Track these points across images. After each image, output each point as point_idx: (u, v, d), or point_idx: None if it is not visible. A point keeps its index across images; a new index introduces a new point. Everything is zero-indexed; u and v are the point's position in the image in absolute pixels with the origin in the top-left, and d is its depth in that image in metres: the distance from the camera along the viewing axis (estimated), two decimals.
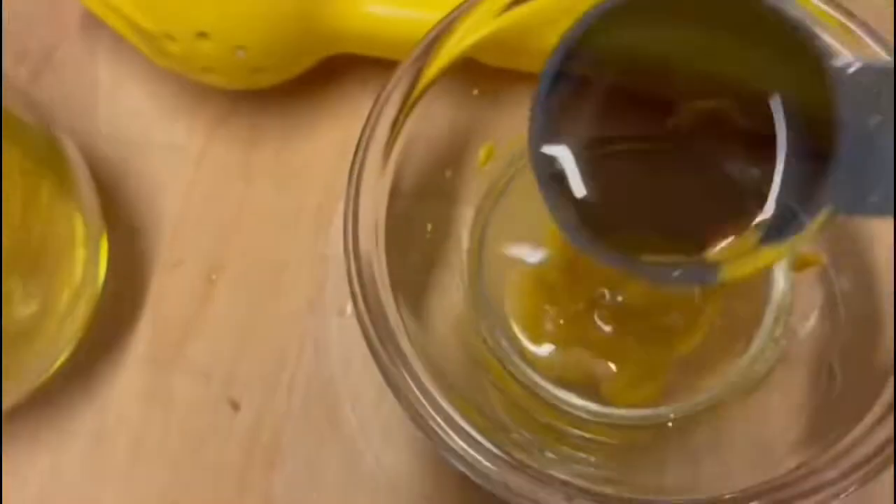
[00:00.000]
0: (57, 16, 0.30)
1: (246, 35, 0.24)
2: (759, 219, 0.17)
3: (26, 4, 0.30)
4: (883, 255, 0.22)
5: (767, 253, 0.17)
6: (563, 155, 0.17)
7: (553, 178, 0.17)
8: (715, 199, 0.18)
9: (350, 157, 0.27)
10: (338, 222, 0.26)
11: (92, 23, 0.29)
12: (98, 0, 0.25)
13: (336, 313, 0.26)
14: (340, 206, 0.26)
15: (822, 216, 0.16)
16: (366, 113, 0.27)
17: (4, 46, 0.30)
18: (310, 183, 0.28)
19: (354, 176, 0.21)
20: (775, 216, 0.16)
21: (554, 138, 0.17)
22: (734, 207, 0.17)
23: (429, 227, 0.24)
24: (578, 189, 0.17)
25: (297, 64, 0.26)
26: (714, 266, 0.17)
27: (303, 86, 0.27)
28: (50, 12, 0.30)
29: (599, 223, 0.17)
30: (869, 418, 0.19)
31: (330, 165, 0.28)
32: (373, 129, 0.21)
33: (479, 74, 0.23)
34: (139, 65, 0.29)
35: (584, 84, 0.18)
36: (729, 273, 0.17)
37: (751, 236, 0.17)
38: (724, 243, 0.17)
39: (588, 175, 0.17)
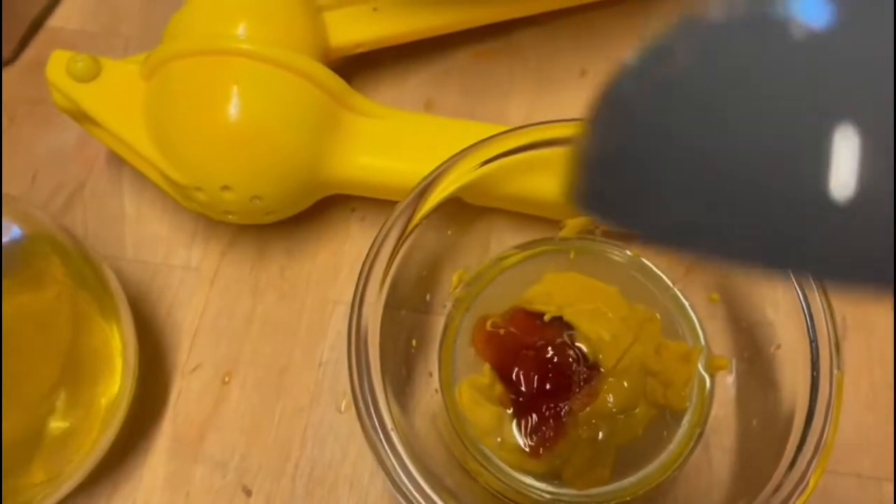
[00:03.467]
0: (85, 153, 0.35)
1: (262, 187, 0.28)
2: None
3: (58, 142, 0.35)
4: (782, 355, 0.27)
5: None
6: None
7: None
8: None
9: (341, 273, 0.32)
10: (332, 334, 0.31)
11: (116, 159, 0.34)
12: (134, 154, 0.29)
13: (334, 409, 0.30)
14: (334, 319, 0.31)
15: None
16: (355, 236, 0.33)
17: (42, 181, 0.34)
18: (308, 297, 0.32)
19: (359, 294, 0.25)
20: None
21: None
22: None
23: (414, 342, 0.28)
24: None
25: (302, 205, 0.31)
26: None
27: (302, 213, 0.31)
28: (79, 150, 0.35)
29: None
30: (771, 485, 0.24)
31: (325, 281, 0.32)
32: (375, 257, 0.25)
33: (454, 214, 0.28)
34: (159, 197, 0.33)
35: None
36: None
37: None
38: None
39: None
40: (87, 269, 0.28)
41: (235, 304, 0.32)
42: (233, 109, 0.27)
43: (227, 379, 0.31)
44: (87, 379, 0.27)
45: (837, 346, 0.24)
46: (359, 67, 0.35)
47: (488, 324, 0.29)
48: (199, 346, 0.31)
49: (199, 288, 0.32)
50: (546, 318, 0.29)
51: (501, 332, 0.29)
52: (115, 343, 0.28)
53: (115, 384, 0.28)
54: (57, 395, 0.26)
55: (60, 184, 0.34)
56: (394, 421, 0.24)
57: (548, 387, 0.28)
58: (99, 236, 0.33)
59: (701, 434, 0.27)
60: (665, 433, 0.28)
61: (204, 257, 0.33)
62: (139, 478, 0.29)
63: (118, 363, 0.28)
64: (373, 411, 0.24)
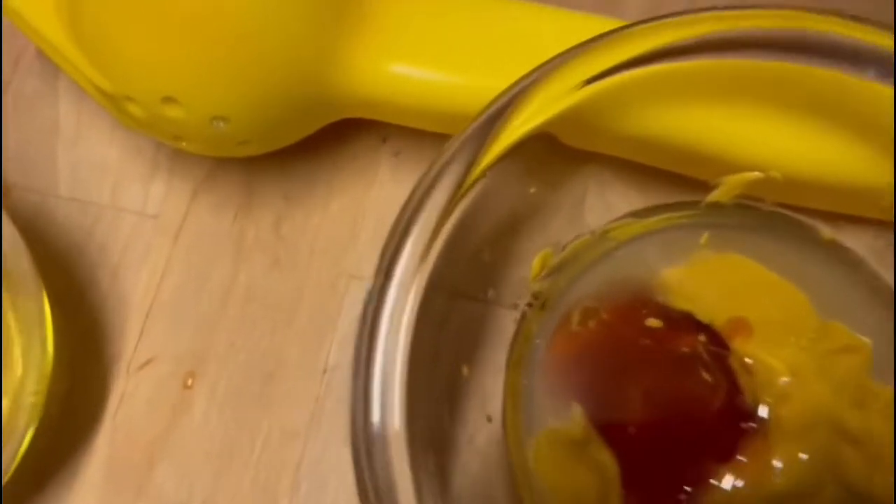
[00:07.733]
0: (11, 42, 0.26)
1: (226, 104, 0.19)
2: None
3: None
4: None
5: None
6: None
7: None
8: None
9: (362, 233, 0.24)
10: (345, 323, 0.23)
11: None
12: (56, 52, 0.21)
13: (340, 439, 0.22)
14: (348, 301, 0.23)
15: None
16: (385, 179, 0.24)
17: None
18: (313, 266, 0.24)
19: (384, 268, 0.17)
20: None
21: None
22: None
23: (465, 370, 0.19)
24: None
25: (296, 133, 0.22)
26: None
27: (308, 141, 0.24)
28: (6, 34, 0.26)
29: None
30: None
31: (338, 244, 0.24)
32: (413, 216, 0.17)
33: (541, 162, 0.19)
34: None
35: None
36: None
37: None
38: None
39: None
40: None
41: (208, 271, 0.24)
42: None
43: (189, 382, 0.24)
44: None
45: None
46: None
47: (575, 318, 0.20)
48: (153, 331, 0.24)
49: (158, 243, 0.25)
50: (674, 315, 0.20)
51: (591, 324, 0.20)
52: (9, 320, 0.22)
53: (13, 377, 0.22)
54: None
55: None
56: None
57: (674, 435, 0.19)
58: (23, 160, 0.25)
59: None
60: None
61: (167, 198, 0.25)
62: None
63: (15, 350, 0.22)
64: (380, 482, 0.16)
